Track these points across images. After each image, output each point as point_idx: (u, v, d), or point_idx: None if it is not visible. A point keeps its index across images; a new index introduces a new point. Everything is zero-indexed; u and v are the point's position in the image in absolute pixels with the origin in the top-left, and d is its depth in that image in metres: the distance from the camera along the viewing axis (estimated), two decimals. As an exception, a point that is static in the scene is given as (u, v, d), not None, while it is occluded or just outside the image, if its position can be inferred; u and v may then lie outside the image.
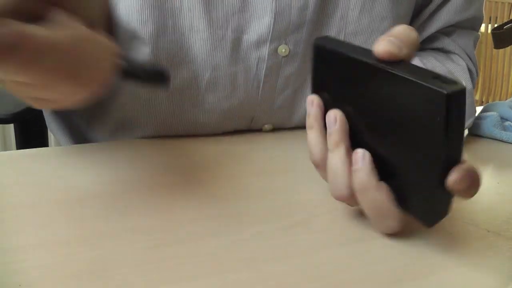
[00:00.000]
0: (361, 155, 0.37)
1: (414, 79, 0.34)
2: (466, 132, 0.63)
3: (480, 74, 2.49)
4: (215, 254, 0.35)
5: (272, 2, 0.51)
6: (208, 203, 0.42)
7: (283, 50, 0.53)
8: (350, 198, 0.38)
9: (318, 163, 0.40)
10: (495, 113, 0.63)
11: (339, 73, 0.40)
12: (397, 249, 0.37)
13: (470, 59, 0.65)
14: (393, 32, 0.37)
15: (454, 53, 0.64)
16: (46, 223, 0.37)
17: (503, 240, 0.39)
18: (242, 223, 0.39)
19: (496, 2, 2.35)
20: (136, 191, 0.43)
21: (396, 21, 0.58)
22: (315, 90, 0.42)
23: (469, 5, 0.63)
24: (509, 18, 2.34)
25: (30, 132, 0.94)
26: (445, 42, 0.64)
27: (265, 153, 0.54)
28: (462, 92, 0.33)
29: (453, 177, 0.33)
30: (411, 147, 0.35)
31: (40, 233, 0.36)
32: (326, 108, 0.41)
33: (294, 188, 0.45)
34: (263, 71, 0.54)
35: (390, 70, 0.35)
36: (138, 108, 0.56)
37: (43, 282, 0.31)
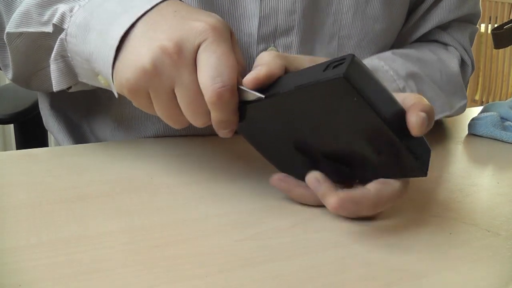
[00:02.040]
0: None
1: (314, 83, 0.34)
2: (466, 132, 0.63)
3: (480, 74, 2.49)
4: (215, 254, 0.35)
5: (258, 6, 0.51)
6: (208, 203, 0.42)
7: None
8: None
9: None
10: (495, 113, 0.63)
11: (260, 117, 0.40)
12: (397, 249, 0.37)
13: (466, 51, 0.66)
14: (257, 61, 0.39)
15: (450, 45, 0.65)
16: (46, 223, 0.37)
17: (503, 240, 0.39)
18: (242, 223, 0.39)
19: (496, 2, 2.35)
20: (136, 191, 0.43)
21: (390, 22, 0.58)
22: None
23: (463, 2, 0.63)
24: (509, 18, 2.34)
25: (30, 132, 0.94)
26: (441, 35, 0.65)
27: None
28: (353, 61, 0.33)
29: (414, 122, 0.35)
30: (361, 133, 0.36)
31: (40, 233, 0.36)
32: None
33: (294, 188, 0.45)
34: None
35: (289, 88, 0.36)
36: (135, 110, 0.57)
37: (43, 282, 0.31)
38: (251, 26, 0.52)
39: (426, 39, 0.65)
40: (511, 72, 2.39)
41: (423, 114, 0.35)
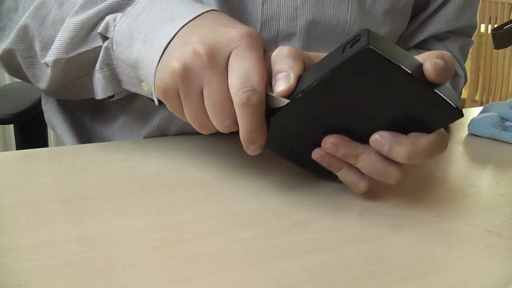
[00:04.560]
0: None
1: (340, 65, 0.35)
2: (466, 132, 0.63)
3: (480, 74, 2.49)
4: (215, 254, 0.35)
5: (259, 11, 0.51)
6: (208, 203, 0.42)
7: None
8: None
9: (366, 187, 0.42)
10: (495, 113, 0.63)
11: (290, 122, 0.40)
12: (397, 249, 0.37)
13: (459, 63, 0.66)
14: (273, 70, 0.40)
15: None
16: (46, 223, 0.37)
17: (503, 240, 0.39)
18: (242, 223, 0.39)
19: (496, 2, 2.35)
20: (136, 191, 0.43)
21: (390, 30, 0.58)
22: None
23: (461, 15, 0.64)
24: (509, 18, 2.34)
25: (30, 132, 0.94)
26: (436, 46, 0.65)
27: (264, 153, 0.54)
28: (371, 34, 0.34)
29: (429, 68, 0.35)
30: (392, 99, 0.37)
31: (40, 233, 0.36)
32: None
33: (294, 188, 0.45)
34: None
35: (316, 81, 0.36)
36: (141, 106, 0.57)
37: (43, 282, 0.31)
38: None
39: (421, 48, 0.66)
40: (511, 72, 2.39)
41: (438, 60, 0.35)
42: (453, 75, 0.66)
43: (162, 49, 0.41)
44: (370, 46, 0.34)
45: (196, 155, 0.52)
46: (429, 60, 0.35)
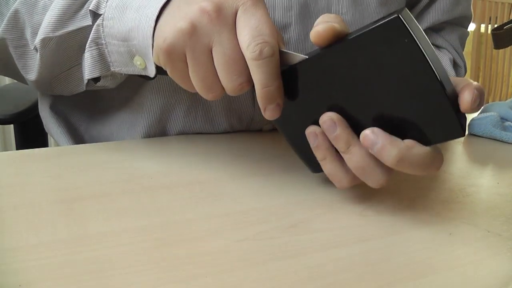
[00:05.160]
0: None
1: (367, 31, 0.35)
2: (466, 132, 0.64)
3: (480, 74, 2.49)
4: (215, 254, 0.35)
5: None
6: (208, 203, 0.42)
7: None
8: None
9: (348, 183, 0.41)
10: (495, 113, 0.63)
11: (302, 86, 0.40)
12: (397, 249, 0.37)
13: (458, 54, 0.67)
14: (320, 20, 0.38)
15: (442, 47, 0.65)
16: (46, 223, 0.37)
17: (503, 240, 0.39)
18: (242, 223, 0.39)
19: (496, 2, 2.35)
20: (136, 191, 0.43)
21: None
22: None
23: (456, 5, 0.64)
24: (509, 18, 2.34)
25: (30, 132, 0.94)
26: (433, 38, 0.65)
27: (265, 153, 0.54)
28: (405, 10, 0.35)
29: (466, 99, 0.35)
30: (403, 88, 0.36)
31: (40, 233, 0.36)
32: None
33: (294, 188, 0.45)
34: None
35: (345, 40, 0.36)
36: (139, 103, 0.57)
37: (43, 282, 0.31)
38: None
39: None
40: (511, 72, 2.39)
41: (477, 92, 0.35)
42: (455, 66, 0.66)
43: (160, 6, 0.40)
44: (399, 16, 0.33)
45: (196, 155, 0.52)
46: (470, 89, 0.35)
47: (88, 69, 0.48)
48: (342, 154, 0.39)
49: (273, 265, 0.34)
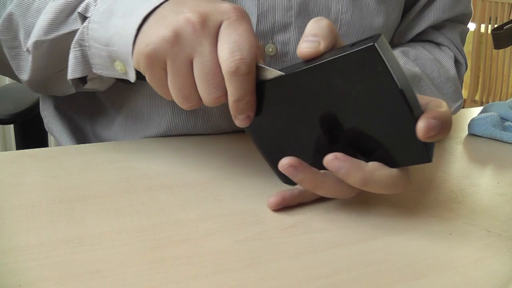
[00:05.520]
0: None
1: (343, 55, 0.36)
2: (466, 132, 0.64)
3: (480, 74, 2.49)
4: (215, 254, 0.35)
5: (255, 4, 0.51)
6: (209, 203, 0.42)
7: (270, 50, 0.54)
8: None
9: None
10: (495, 113, 0.63)
11: (276, 100, 0.40)
12: (397, 249, 0.37)
13: (459, 50, 0.67)
14: (307, 31, 0.39)
15: (444, 45, 0.66)
16: (46, 223, 0.37)
17: (503, 240, 0.39)
18: (242, 223, 0.39)
19: (496, 2, 2.35)
20: (136, 191, 0.43)
21: (385, 19, 0.58)
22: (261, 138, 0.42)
23: (457, 3, 0.64)
24: (509, 18, 2.34)
25: (30, 132, 0.94)
26: (435, 35, 0.65)
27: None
28: (381, 38, 0.35)
29: (419, 128, 0.35)
30: (373, 112, 0.37)
31: (40, 233, 0.36)
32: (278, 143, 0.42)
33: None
34: None
35: (317, 62, 0.37)
36: (140, 107, 0.57)
37: (43, 282, 0.31)
38: None
39: (420, 39, 0.66)
40: (511, 72, 2.39)
41: (433, 121, 0.35)
42: (456, 63, 0.66)
43: (145, 15, 0.40)
44: (375, 45, 0.34)
45: (196, 155, 0.52)
46: (425, 118, 0.35)
47: (71, 68, 0.48)
48: (311, 190, 0.41)
49: (273, 265, 0.34)
